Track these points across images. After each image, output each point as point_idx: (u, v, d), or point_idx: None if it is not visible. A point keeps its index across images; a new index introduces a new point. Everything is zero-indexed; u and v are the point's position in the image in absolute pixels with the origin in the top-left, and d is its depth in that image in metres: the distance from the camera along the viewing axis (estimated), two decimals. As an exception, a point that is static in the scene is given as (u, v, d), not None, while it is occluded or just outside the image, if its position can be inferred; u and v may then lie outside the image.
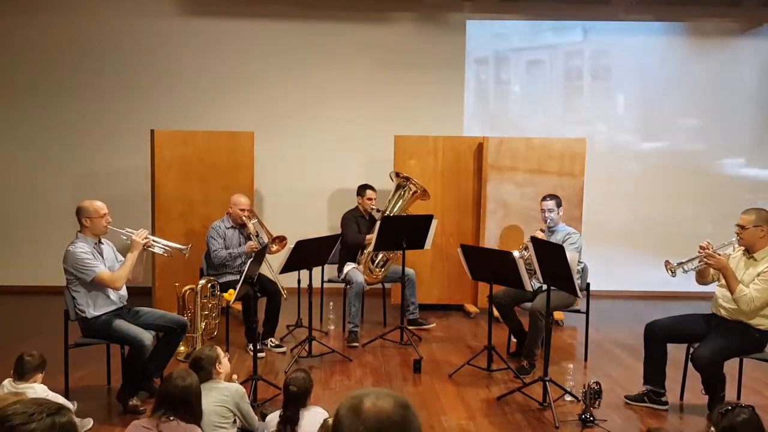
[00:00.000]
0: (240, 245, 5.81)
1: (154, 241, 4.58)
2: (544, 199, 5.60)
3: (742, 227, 4.28)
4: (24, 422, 1.54)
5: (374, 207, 6.22)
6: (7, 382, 3.73)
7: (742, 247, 4.36)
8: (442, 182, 6.99)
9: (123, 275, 4.40)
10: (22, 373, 3.72)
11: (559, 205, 5.54)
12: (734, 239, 4.38)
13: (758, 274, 4.19)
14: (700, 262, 4.34)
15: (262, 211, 7.54)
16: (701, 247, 4.31)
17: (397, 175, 6.23)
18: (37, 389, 3.64)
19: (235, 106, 7.66)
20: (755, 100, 7.99)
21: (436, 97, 7.78)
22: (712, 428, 2.61)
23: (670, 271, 4.38)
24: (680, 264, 4.38)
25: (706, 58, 7.93)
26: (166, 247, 4.61)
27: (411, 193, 6.12)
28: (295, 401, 3.41)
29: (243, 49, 7.69)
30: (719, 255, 4.26)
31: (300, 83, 7.73)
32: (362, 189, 6.33)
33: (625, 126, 8.06)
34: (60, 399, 3.62)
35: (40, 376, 3.78)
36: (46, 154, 7.66)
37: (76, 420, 1.66)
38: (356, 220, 6.26)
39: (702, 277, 4.52)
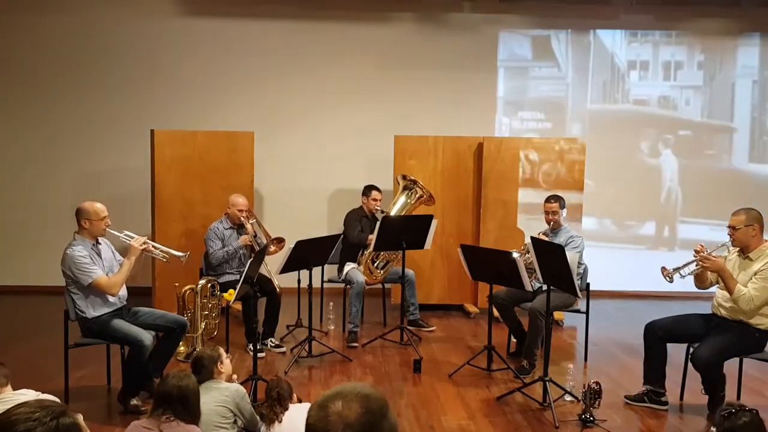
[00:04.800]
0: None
1: (153, 246, 4.58)
2: (548, 200, 5.55)
3: (733, 228, 4.29)
4: (29, 429, 1.53)
5: (378, 208, 6.22)
6: None
7: (737, 248, 4.37)
8: (442, 182, 6.99)
9: (119, 281, 4.40)
10: None
11: (563, 206, 5.52)
12: (728, 241, 4.38)
13: (755, 273, 4.19)
14: (696, 265, 4.34)
15: (261, 211, 7.54)
16: (696, 251, 4.32)
17: (404, 177, 6.22)
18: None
19: (235, 106, 7.65)
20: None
21: (438, 97, 7.77)
22: (713, 429, 2.61)
23: (667, 277, 4.39)
24: (676, 269, 4.40)
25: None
26: (165, 253, 4.61)
27: (417, 196, 6.11)
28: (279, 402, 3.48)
29: (243, 49, 7.68)
30: (714, 257, 4.26)
31: (300, 83, 7.73)
32: (368, 189, 6.32)
33: (625, 125, 8.08)
34: (31, 394, 3.55)
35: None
36: (45, 154, 7.66)
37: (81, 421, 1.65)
38: (360, 219, 6.26)
39: (700, 281, 4.51)
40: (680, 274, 4.40)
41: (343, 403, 1.46)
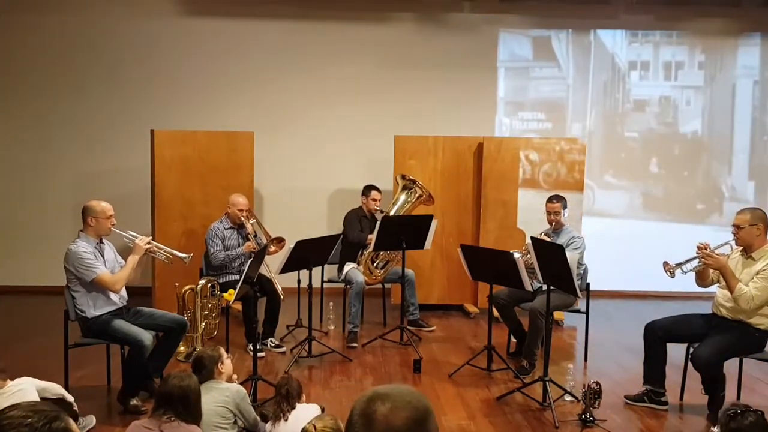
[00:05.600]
0: (239, 246, 5.81)
1: (156, 247, 4.59)
2: (550, 200, 5.54)
3: (738, 227, 4.30)
4: None
5: (378, 208, 6.22)
6: None
7: (740, 248, 4.37)
8: (442, 182, 6.99)
9: (123, 278, 4.42)
10: None
11: (565, 207, 5.51)
12: (731, 239, 4.39)
13: (757, 272, 4.20)
14: (698, 262, 4.34)
15: (262, 211, 7.54)
16: (699, 248, 4.32)
17: (403, 177, 6.22)
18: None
19: (235, 106, 7.65)
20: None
21: (438, 97, 7.77)
22: (713, 429, 2.62)
23: (668, 273, 4.40)
24: (678, 265, 4.40)
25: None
26: (168, 254, 4.61)
27: (416, 196, 6.11)
28: (287, 400, 3.49)
29: (243, 49, 7.68)
30: (717, 255, 4.27)
31: (300, 83, 7.73)
32: (368, 189, 6.32)
33: (624, 125, 8.07)
34: (43, 385, 3.54)
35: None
36: (46, 154, 7.65)
37: (75, 426, 1.63)
38: (359, 219, 6.26)
39: (702, 279, 4.52)
40: (682, 270, 4.40)
41: (392, 407, 1.49)
